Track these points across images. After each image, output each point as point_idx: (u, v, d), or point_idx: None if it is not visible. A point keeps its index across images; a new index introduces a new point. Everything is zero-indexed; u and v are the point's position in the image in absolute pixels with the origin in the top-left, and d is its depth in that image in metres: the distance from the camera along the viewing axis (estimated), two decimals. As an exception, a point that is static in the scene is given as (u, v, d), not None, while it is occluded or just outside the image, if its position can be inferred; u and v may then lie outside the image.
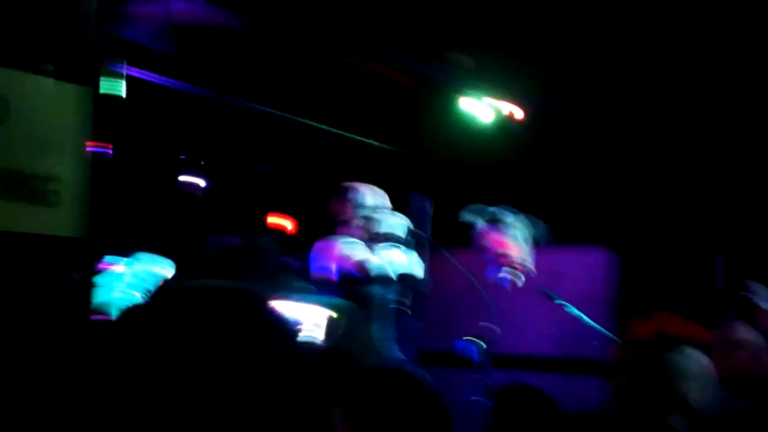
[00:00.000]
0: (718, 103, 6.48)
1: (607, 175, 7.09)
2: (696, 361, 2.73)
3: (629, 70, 6.41)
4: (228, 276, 2.94)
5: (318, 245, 4.79)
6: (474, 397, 4.71)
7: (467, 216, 4.87)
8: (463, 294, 5.14)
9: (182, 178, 6.55)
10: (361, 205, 4.85)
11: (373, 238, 4.75)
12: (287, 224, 7.11)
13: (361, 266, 4.61)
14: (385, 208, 4.89)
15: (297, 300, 4.02)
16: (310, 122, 6.35)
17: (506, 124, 6.83)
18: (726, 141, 6.69)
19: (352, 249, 4.69)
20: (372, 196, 4.91)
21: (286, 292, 3.54)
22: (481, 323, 4.82)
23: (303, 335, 4.25)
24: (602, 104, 6.85)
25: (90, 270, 3.02)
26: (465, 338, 4.83)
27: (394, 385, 2.23)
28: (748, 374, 4.23)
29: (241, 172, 6.94)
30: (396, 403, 2.14)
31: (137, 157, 5.69)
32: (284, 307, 4.55)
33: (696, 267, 6.74)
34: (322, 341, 4.17)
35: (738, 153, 6.68)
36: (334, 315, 4.08)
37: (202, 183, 6.64)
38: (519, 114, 6.80)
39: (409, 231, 4.82)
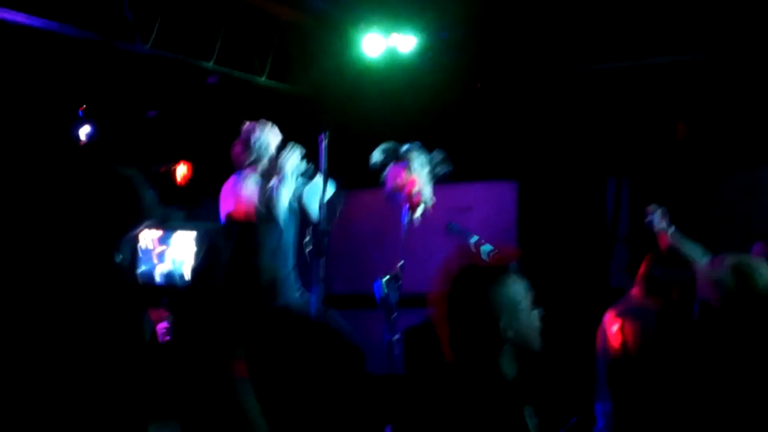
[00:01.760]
0: (611, 27, 6.51)
1: (502, 105, 7.09)
2: (514, 290, 2.47)
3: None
4: (97, 207, 2.79)
5: (224, 186, 4.79)
6: (390, 337, 4.67)
7: (376, 156, 4.78)
8: (370, 233, 5.07)
9: (72, 127, 6.29)
10: (260, 144, 4.80)
11: (271, 175, 4.72)
12: (183, 169, 6.92)
13: (262, 202, 4.64)
14: (282, 145, 4.86)
15: (166, 228, 3.93)
16: (199, 63, 6.09)
17: (396, 56, 6.71)
18: (615, 66, 6.76)
19: (251, 186, 4.66)
20: (270, 135, 4.86)
21: (157, 221, 3.42)
22: (398, 262, 4.76)
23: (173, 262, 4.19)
24: (493, 30, 6.78)
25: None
26: (383, 278, 4.78)
27: (296, 325, 2.11)
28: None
29: (132, 118, 6.67)
30: (297, 342, 2.03)
31: (19, 105, 5.42)
32: (153, 235, 4.45)
33: (590, 190, 6.85)
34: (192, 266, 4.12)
35: (628, 75, 6.76)
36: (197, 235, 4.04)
37: (87, 130, 6.37)
38: (407, 45, 6.67)
39: (307, 168, 4.81)
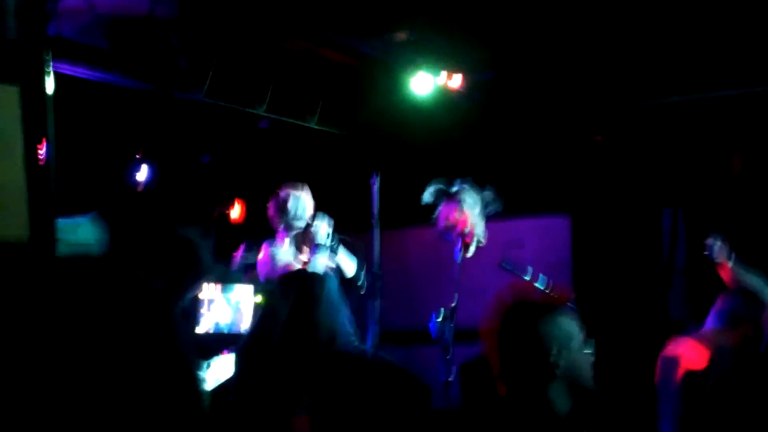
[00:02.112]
0: (651, 60, 6.49)
1: (551, 140, 7.09)
2: (567, 325, 2.49)
3: (562, 32, 6.36)
4: (158, 268, 2.86)
5: (260, 254, 4.95)
6: (447, 377, 4.67)
7: (428, 197, 4.82)
8: (424, 270, 5.09)
9: (129, 172, 6.42)
10: (296, 209, 4.89)
11: (303, 243, 4.82)
12: (236, 213, 7.01)
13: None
14: (313, 215, 4.95)
15: (225, 283, 4.00)
16: (252, 110, 6.19)
17: (446, 95, 6.74)
18: (664, 97, 6.73)
19: (286, 255, 4.72)
20: (305, 200, 4.95)
21: (216, 278, 3.50)
22: (452, 299, 4.78)
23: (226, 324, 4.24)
24: (539, 68, 6.80)
25: (33, 273, 2.87)
26: (438, 318, 4.79)
27: (359, 371, 2.13)
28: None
29: (186, 163, 6.80)
30: (364, 389, 2.06)
31: (79, 154, 5.55)
32: (214, 293, 4.52)
33: (645, 221, 6.79)
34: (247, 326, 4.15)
35: (674, 107, 6.73)
36: (259, 299, 4.07)
37: (145, 175, 6.51)
38: (456, 83, 6.70)
39: (332, 241, 4.90)
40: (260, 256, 4.92)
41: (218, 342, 4.55)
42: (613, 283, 6.66)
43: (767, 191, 6.43)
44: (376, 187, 4.74)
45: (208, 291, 4.69)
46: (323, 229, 4.87)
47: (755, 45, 6.11)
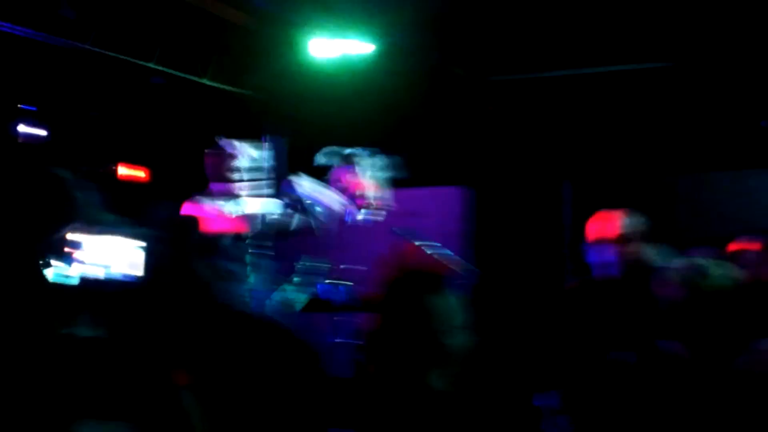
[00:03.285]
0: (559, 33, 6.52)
1: (456, 111, 7.08)
2: (452, 302, 2.38)
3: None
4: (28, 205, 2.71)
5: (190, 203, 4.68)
6: (339, 339, 4.63)
7: (322, 158, 4.72)
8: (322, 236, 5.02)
9: (21, 127, 6.11)
10: (239, 164, 4.69)
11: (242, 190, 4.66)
12: (139, 174, 6.80)
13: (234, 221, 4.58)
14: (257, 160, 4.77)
15: (106, 233, 3.82)
16: (143, 63, 5.97)
17: (350, 60, 6.64)
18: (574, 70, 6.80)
19: (222, 205, 4.62)
20: (249, 152, 4.77)
21: (96, 227, 3.35)
22: (343, 265, 4.72)
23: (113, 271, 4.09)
24: (441, 36, 6.75)
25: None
26: (328, 281, 4.72)
27: (240, 325, 2.04)
28: None
29: (80, 119, 6.53)
30: (242, 342, 1.96)
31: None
32: (95, 242, 4.34)
33: (544, 195, 6.86)
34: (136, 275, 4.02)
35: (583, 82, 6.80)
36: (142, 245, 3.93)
37: (42, 132, 6.22)
38: (358, 49, 6.61)
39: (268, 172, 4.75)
40: (194, 209, 4.64)
41: (83, 292, 4.36)
42: (510, 255, 6.72)
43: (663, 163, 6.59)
44: (266, 147, 4.62)
45: (84, 235, 4.47)
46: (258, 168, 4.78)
47: (657, 21, 6.19)
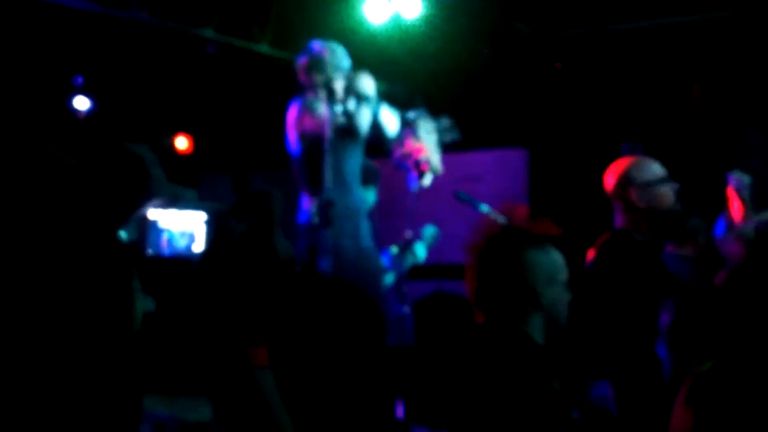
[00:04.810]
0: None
1: (511, 71, 6.92)
2: (554, 258, 2.38)
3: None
4: (106, 184, 2.68)
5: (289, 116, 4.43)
6: (402, 310, 4.55)
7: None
8: (378, 202, 4.93)
9: (69, 99, 6.11)
10: (337, 64, 4.47)
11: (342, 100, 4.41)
12: (183, 142, 6.75)
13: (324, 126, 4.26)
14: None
15: (178, 208, 3.76)
16: (198, 31, 5.91)
17: (400, 22, 6.51)
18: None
19: (316, 108, 4.35)
20: (345, 59, 4.54)
21: (168, 200, 3.29)
22: (406, 232, 4.63)
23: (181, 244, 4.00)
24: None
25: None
26: (393, 247, 4.64)
27: (317, 297, 2.00)
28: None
29: (129, 89, 6.51)
30: (323, 316, 1.93)
31: (13, 77, 5.28)
32: (166, 216, 4.28)
33: (603, 156, 6.69)
34: (203, 249, 3.94)
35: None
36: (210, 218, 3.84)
37: (86, 103, 6.21)
38: (412, 11, 6.47)
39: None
40: (289, 117, 4.40)
41: (167, 267, 4.34)
42: (569, 219, 6.58)
43: (725, 121, 6.37)
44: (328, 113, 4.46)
45: (160, 213, 4.43)
46: (368, 82, 4.49)
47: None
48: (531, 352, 2.30)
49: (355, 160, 4.49)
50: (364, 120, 4.43)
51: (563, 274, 2.39)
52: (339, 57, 4.47)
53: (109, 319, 1.32)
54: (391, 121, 4.54)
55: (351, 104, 4.39)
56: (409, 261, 4.75)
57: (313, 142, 4.30)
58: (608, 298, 3.80)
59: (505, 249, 2.36)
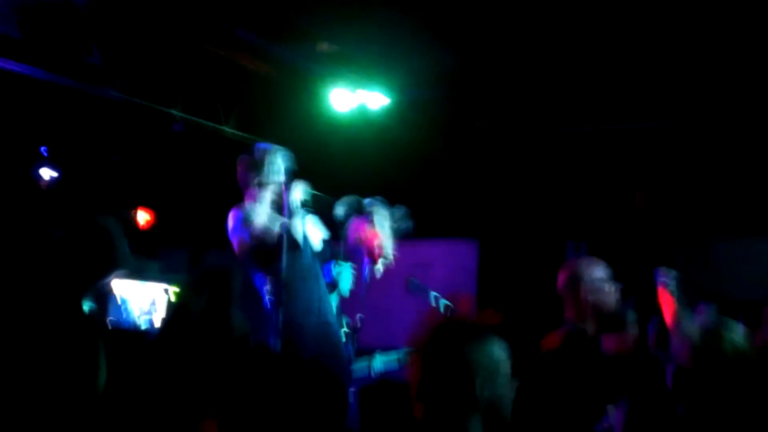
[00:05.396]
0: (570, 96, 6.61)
1: (466, 165, 7.15)
2: (497, 353, 2.34)
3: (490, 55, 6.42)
4: (72, 255, 2.76)
5: (231, 219, 4.50)
6: (350, 389, 4.63)
7: (339, 209, 4.75)
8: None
9: (34, 169, 6.18)
10: (270, 169, 4.59)
11: (281, 206, 4.53)
12: (144, 215, 6.84)
13: (263, 232, 4.37)
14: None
15: (141, 280, 3.82)
16: (167, 109, 6.07)
17: (365, 112, 6.75)
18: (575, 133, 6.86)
19: (256, 215, 4.41)
20: (278, 161, 4.64)
21: (131, 272, 3.34)
22: (356, 315, 4.74)
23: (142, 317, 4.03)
24: (463, 91, 6.87)
25: None
26: (343, 331, 4.74)
27: (270, 373, 2.07)
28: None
29: (94, 163, 6.61)
30: (275, 392, 2.00)
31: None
32: (127, 287, 4.33)
33: (550, 252, 6.89)
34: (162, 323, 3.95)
35: (588, 142, 6.87)
36: (175, 290, 3.90)
37: (52, 173, 6.29)
38: (377, 102, 6.71)
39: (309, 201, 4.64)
40: (229, 224, 4.45)
41: (126, 338, 4.40)
42: (516, 309, 6.74)
43: (666, 228, 6.62)
44: (286, 196, 4.60)
45: (122, 284, 4.49)
46: (297, 193, 4.61)
47: (660, 82, 6.27)
48: None
49: (306, 254, 4.59)
50: (297, 230, 4.52)
51: (506, 369, 2.37)
52: (277, 164, 4.61)
53: (74, 381, 1.40)
54: (315, 234, 4.68)
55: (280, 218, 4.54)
56: (354, 346, 4.85)
57: (258, 245, 4.42)
58: (558, 389, 3.97)
59: (447, 345, 2.35)
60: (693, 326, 4.39)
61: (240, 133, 6.75)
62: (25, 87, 5.63)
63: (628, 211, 6.70)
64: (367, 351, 5.08)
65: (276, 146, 4.66)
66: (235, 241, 4.50)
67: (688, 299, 4.73)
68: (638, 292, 4.86)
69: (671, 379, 3.14)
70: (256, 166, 4.53)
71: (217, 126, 6.52)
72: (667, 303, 4.69)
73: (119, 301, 4.41)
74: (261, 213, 4.44)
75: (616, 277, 4.59)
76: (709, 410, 2.75)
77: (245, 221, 4.43)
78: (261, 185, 4.47)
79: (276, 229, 4.38)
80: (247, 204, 4.51)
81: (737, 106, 6.34)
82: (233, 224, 4.51)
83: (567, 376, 3.99)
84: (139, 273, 4.01)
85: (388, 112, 6.81)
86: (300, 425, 2.02)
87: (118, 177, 6.76)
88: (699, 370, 2.90)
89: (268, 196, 4.50)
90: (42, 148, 6.31)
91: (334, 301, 4.95)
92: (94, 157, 6.64)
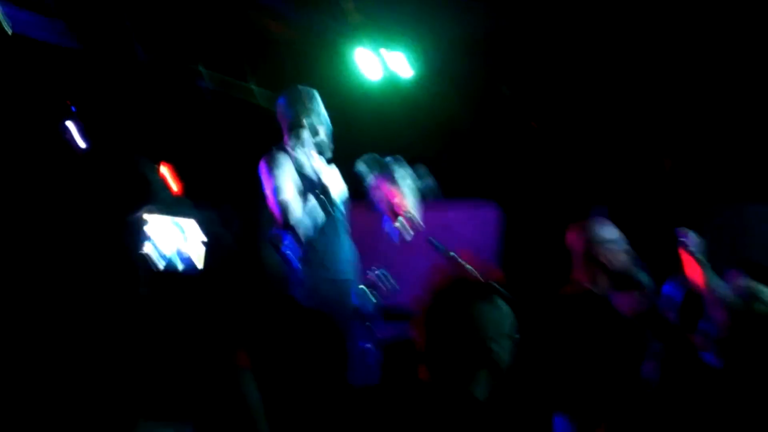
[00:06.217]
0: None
1: (494, 132, 7.14)
2: (503, 311, 2.38)
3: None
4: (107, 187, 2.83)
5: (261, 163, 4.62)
6: (366, 345, 4.68)
7: (360, 167, 4.79)
8: (358, 244, 5.09)
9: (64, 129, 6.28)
10: (319, 111, 4.72)
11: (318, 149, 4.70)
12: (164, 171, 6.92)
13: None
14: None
15: (177, 215, 3.90)
16: (196, 67, 6.13)
17: (394, 79, 6.75)
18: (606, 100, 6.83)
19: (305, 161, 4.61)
20: (319, 103, 4.75)
21: (164, 206, 3.42)
22: (374, 273, 4.78)
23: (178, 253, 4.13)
24: (491, 59, 6.85)
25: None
26: (361, 287, 4.80)
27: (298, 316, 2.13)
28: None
29: (123, 120, 6.69)
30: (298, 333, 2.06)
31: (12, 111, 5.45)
32: (163, 223, 4.41)
33: (573, 217, 6.87)
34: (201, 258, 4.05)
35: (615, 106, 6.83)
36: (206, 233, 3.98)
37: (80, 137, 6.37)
38: (407, 70, 6.72)
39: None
40: (262, 173, 4.58)
41: (161, 275, 4.46)
42: (537, 273, 6.73)
43: (694, 194, 6.56)
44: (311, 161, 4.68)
45: (156, 218, 4.55)
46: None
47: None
48: (470, 408, 2.28)
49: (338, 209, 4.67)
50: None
51: (509, 325, 2.38)
52: (321, 107, 4.74)
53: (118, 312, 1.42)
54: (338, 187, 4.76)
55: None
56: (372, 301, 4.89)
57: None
58: (568, 348, 4.00)
59: (454, 303, 2.36)
60: (725, 289, 4.40)
61: (267, 95, 6.77)
62: (51, 52, 5.70)
63: (657, 177, 6.65)
64: (388, 310, 5.11)
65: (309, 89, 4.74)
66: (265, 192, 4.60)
67: (713, 262, 4.71)
68: (664, 259, 4.85)
69: (705, 339, 3.13)
70: (306, 100, 4.64)
71: (243, 83, 6.54)
72: (692, 265, 4.67)
73: (151, 236, 4.46)
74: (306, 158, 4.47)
75: (639, 241, 4.60)
76: (748, 367, 2.78)
77: (270, 170, 4.52)
78: (301, 126, 4.58)
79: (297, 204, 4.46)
80: (280, 152, 4.59)
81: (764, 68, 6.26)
82: (263, 175, 4.61)
83: (577, 335, 4.00)
84: (171, 208, 4.08)
85: (417, 81, 6.81)
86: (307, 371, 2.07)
87: (141, 135, 6.84)
88: (738, 330, 2.91)
89: (308, 137, 4.60)
90: (70, 108, 6.40)
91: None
92: (120, 117, 6.73)
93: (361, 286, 4.81)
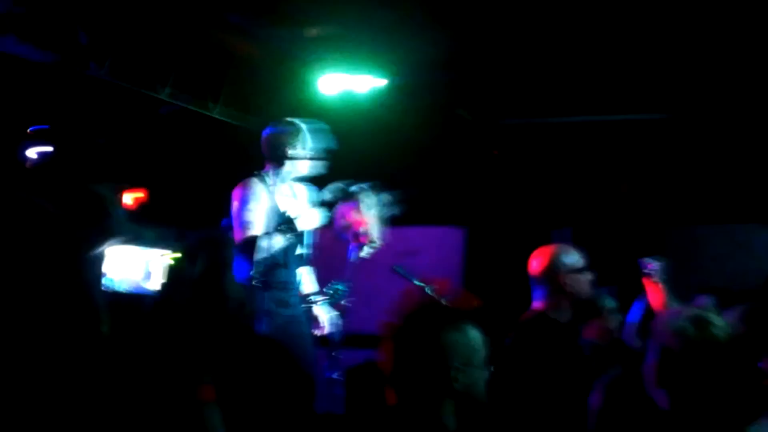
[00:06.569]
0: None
1: (454, 152, 7.16)
2: (472, 339, 2.33)
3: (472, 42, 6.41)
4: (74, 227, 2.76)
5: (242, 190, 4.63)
6: (333, 375, 4.66)
7: (327, 194, 4.78)
8: (317, 270, 5.07)
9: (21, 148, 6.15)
10: (296, 144, 4.67)
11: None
12: (129, 199, 6.81)
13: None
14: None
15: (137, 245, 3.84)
16: (154, 94, 6.05)
17: (351, 97, 6.74)
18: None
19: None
20: (316, 138, 4.74)
21: (128, 238, 3.36)
22: (332, 287, 4.80)
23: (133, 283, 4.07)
24: (449, 77, 6.86)
25: None
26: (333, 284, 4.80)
27: (261, 349, 2.09)
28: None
29: (81, 143, 6.57)
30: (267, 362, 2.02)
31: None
32: (125, 253, 4.33)
33: (536, 240, 6.91)
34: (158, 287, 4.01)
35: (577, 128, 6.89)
36: (173, 259, 3.93)
37: (41, 150, 6.25)
38: (364, 86, 6.71)
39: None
40: (234, 202, 4.56)
41: (122, 305, 4.38)
42: (500, 297, 6.76)
43: (649, 216, 6.66)
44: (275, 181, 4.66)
45: (118, 249, 4.48)
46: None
47: (651, 74, 6.30)
48: None
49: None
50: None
51: (481, 355, 2.34)
52: (308, 140, 4.71)
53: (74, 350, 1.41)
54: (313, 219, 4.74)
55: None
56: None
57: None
58: (529, 376, 4.01)
59: (422, 330, 2.32)
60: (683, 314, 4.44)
61: (227, 116, 6.73)
62: (10, 65, 5.59)
63: (614, 200, 6.73)
64: (353, 337, 5.10)
65: (314, 121, 4.73)
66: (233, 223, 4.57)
67: (673, 287, 4.78)
68: (622, 281, 4.90)
69: (657, 366, 3.17)
70: (289, 137, 4.62)
71: (205, 110, 6.50)
72: (655, 291, 4.74)
73: (114, 268, 4.38)
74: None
75: (600, 265, 4.63)
76: (695, 397, 2.76)
77: (245, 202, 4.50)
78: (286, 158, 4.56)
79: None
80: (257, 183, 4.57)
81: (721, 95, 6.37)
82: (235, 204, 4.58)
83: (540, 364, 4.02)
84: (135, 239, 4.01)
85: (377, 97, 6.80)
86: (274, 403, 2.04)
87: (105, 158, 6.72)
88: (687, 357, 2.93)
89: (288, 171, 4.59)
90: (28, 130, 6.27)
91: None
92: (80, 137, 6.61)
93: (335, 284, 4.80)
